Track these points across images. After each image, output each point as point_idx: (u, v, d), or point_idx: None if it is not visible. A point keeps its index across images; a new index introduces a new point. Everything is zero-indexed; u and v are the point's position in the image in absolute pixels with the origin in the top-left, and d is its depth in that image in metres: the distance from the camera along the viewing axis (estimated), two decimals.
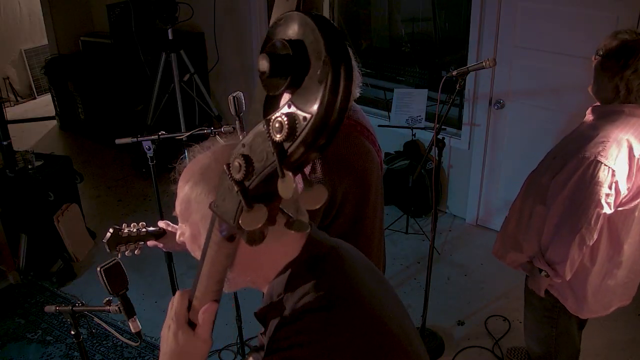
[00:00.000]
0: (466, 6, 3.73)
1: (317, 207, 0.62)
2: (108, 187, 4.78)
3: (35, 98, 7.08)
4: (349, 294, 0.94)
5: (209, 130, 2.27)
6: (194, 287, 0.90)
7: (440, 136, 2.62)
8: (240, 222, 0.65)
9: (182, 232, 1.04)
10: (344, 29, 4.67)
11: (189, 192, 0.97)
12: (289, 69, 0.60)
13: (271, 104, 0.66)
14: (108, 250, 1.61)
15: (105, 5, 4.94)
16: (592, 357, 2.89)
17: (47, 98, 6.56)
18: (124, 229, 1.62)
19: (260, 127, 0.64)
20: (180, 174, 1.02)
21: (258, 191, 0.64)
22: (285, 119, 0.60)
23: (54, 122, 6.09)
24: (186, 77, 4.30)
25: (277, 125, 0.60)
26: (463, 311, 3.23)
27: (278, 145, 0.60)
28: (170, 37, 4.15)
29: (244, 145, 0.66)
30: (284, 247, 0.95)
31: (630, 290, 2.15)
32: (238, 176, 0.65)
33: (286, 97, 0.62)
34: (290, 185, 0.60)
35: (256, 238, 0.67)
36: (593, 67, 1.96)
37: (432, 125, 3.13)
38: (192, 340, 0.90)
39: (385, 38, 4.73)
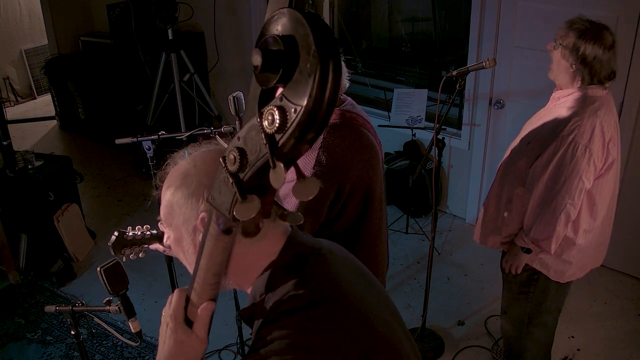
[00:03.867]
0: (466, 6, 3.73)
1: (309, 199, 0.64)
2: (108, 187, 4.78)
3: (35, 98, 7.09)
4: (330, 294, 0.94)
5: (209, 130, 2.28)
6: (192, 282, 0.92)
7: (440, 136, 2.62)
8: (234, 212, 0.67)
9: (167, 236, 1.06)
10: (344, 29, 4.67)
11: (171, 198, 1.00)
12: (279, 63, 0.62)
13: (266, 98, 0.68)
14: (113, 253, 1.60)
15: (105, 5, 4.94)
16: (592, 356, 2.89)
17: (47, 98, 6.56)
18: (128, 232, 1.61)
19: (254, 120, 0.66)
20: (162, 181, 1.05)
21: (252, 183, 0.66)
22: (276, 111, 0.62)
23: (54, 122, 6.09)
24: (186, 77, 4.31)
25: (269, 117, 0.63)
26: (463, 311, 3.23)
27: (270, 137, 0.63)
28: (170, 37, 4.15)
29: (239, 139, 0.68)
30: (263, 249, 0.97)
31: (601, 252, 2.32)
32: (233, 168, 0.67)
33: (279, 90, 0.64)
34: (280, 175, 0.62)
35: (251, 230, 0.69)
36: (552, 56, 2.11)
37: (432, 125, 3.13)
38: (190, 338, 0.91)
39: (385, 38, 4.73)
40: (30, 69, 7.01)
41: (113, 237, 1.59)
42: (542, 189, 2.08)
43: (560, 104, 2.13)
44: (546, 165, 2.05)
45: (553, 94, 2.22)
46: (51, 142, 5.74)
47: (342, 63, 1.75)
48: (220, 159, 0.69)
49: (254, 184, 0.66)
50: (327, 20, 4.54)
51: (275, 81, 0.63)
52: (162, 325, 0.95)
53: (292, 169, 0.66)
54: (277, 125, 0.62)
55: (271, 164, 0.63)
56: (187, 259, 1.03)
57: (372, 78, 4.58)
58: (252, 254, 0.96)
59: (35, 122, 6.20)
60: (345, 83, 1.78)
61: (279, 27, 0.64)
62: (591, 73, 2.02)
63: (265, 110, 0.64)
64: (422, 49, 4.42)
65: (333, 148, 1.64)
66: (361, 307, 0.96)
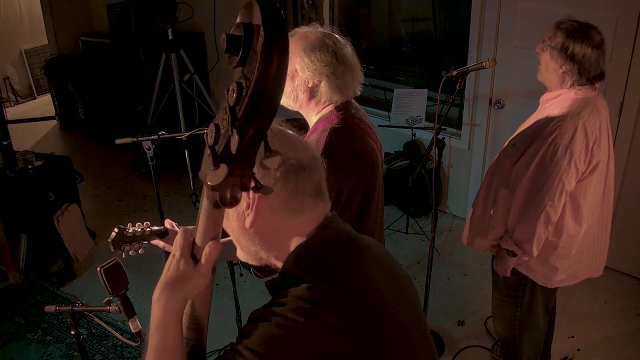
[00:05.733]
0: (466, 6, 3.73)
1: (274, 167, 0.74)
2: (108, 187, 4.78)
3: (35, 98, 7.08)
4: (351, 281, 0.96)
5: None
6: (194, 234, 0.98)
7: (440, 136, 2.62)
8: (207, 180, 0.72)
9: None
10: (344, 29, 4.67)
11: None
12: (238, 46, 0.72)
13: None
14: (112, 249, 1.60)
15: (105, 5, 4.94)
16: (592, 356, 2.89)
17: (47, 98, 6.56)
18: (128, 229, 1.61)
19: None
20: None
21: (223, 154, 0.73)
22: (235, 85, 0.71)
23: (54, 122, 6.09)
24: (186, 77, 4.30)
25: (230, 92, 0.72)
26: (463, 311, 3.23)
27: (231, 109, 0.71)
28: (170, 37, 4.15)
29: (216, 116, 0.78)
30: (298, 226, 1.01)
31: (598, 261, 2.29)
32: (210, 141, 0.75)
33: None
34: (235, 141, 0.70)
35: (227, 200, 0.74)
36: (541, 58, 2.11)
37: (432, 125, 3.13)
38: (192, 270, 0.95)
39: (385, 38, 4.73)
40: (30, 69, 7.01)
41: (113, 234, 1.58)
42: (523, 189, 2.07)
43: (548, 106, 2.13)
44: (527, 166, 2.05)
45: (542, 97, 2.22)
46: (51, 142, 5.74)
47: (359, 69, 1.78)
48: (204, 136, 0.77)
49: (225, 155, 0.72)
50: (327, 21, 4.54)
51: (237, 61, 0.72)
52: (169, 257, 0.99)
53: None
54: (235, 98, 0.70)
55: (229, 131, 0.71)
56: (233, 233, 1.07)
57: (372, 78, 4.58)
58: (287, 230, 1.01)
59: (35, 122, 6.20)
60: (357, 91, 1.79)
61: (244, 16, 0.74)
62: (580, 72, 2.01)
63: (230, 87, 0.72)
64: (422, 49, 4.42)
65: (334, 154, 1.64)
66: (379, 302, 0.97)
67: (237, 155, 0.70)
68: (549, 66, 2.07)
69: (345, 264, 0.98)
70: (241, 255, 1.09)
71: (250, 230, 1.00)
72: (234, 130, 0.70)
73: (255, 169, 0.74)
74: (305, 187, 0.99)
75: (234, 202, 0.73)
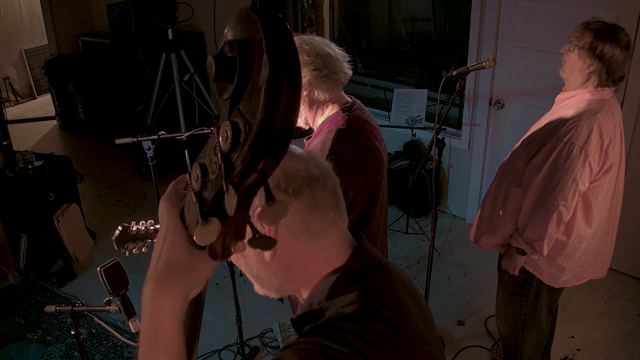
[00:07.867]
0: (466, 6, 3.73)
1: (275, 224, 0.59)
2: (108, 187, 4.78)
3: (35, 98, 7.09)
4: (396, 319, 0.87)
5: (209, 131, 2.28)
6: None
7: (440, 136, 2.62)
8: (194, 236, 0.59)
9: None
10: (344, 29, 4.67)
11: None
12: (233, 72, 0.55)
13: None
14: (116, 247, 1.59)
15: (105, 5, 4.94)
16: (592, 356, 2.89)
17: (47, 98, 6.57)
18: (132, 227, 1.60)
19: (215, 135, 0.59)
20: None
21: (215, 204, 0.57)
22: (229, 126, 0.54)
23: (54, 122, 6.10)
24: (186, 77, 4.30)
25: (224, 133, 0.55)
26: (463, 311, 3.23)
27: (225, 156, 0.54)
28: (170, 37, 4.14)
29: (203, 153, 0.62)
30: (324, 250, 0.90)
31: (603, 263, 2.30)
32: (196, 186, 0.60)
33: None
34: (232, 201, 0.54)
35: (218, 252, 0.60)
36: (567, 58, 2.10)
37: (432, 125, 3.13)
38: (195, 257, 0.72)
39: (385, 38, 4.72)
40: (30, 69, 7.01)
41: (117, 232, 1.58)
42: (536, 188, 2.07)
43: (563, 106, 2.13)
44: (541, 165, 2.05)
45: (557, 96, 2.21)
46: (51, 142, 5.74)
47: (339, 49, 1.70)
48: (187, 175, 0.62)
49: (218, 206, 0.57)
50: (327, 20, 4.54)
51: (230, 92, 0.55)
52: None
53: None
54: (230, 142, 0.54)
55: (224, 187, 0.54)
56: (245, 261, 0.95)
57: (372, 78, 4.58)
58: (310, 256, 0.90)
59: (35, 122, 6.20)
60: (347, 70, 1.73)
61: (236, 31, 0.57)
62: (608, 72, 2.01)
63: (222, 125, 0.55)
64: (422, 49, 4.42)
65: (340, 155, 1.63)
66: (419, 341, 0.89)
67: (228, 213, 0.55)
68: (576, 66, 2.06)
69: (386, 297, 0.89)
70: (262, 292, 0.96)
71: (271, 263, 0.89)
72: (230, 187, 0.54)
73: (251, 215, 0.61)
74: (323, 200, 0.88)
75: (227, 254, 0.61)
